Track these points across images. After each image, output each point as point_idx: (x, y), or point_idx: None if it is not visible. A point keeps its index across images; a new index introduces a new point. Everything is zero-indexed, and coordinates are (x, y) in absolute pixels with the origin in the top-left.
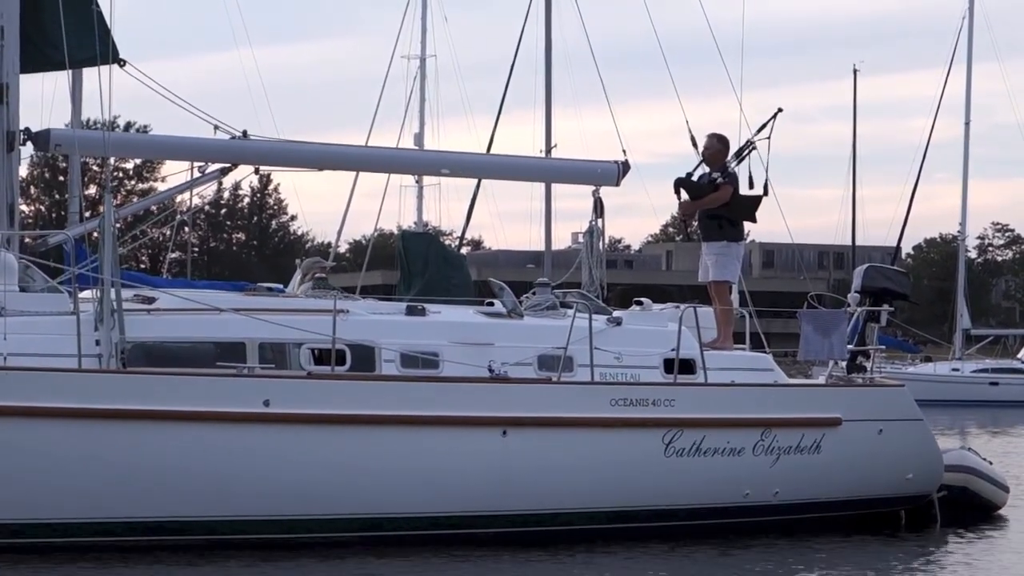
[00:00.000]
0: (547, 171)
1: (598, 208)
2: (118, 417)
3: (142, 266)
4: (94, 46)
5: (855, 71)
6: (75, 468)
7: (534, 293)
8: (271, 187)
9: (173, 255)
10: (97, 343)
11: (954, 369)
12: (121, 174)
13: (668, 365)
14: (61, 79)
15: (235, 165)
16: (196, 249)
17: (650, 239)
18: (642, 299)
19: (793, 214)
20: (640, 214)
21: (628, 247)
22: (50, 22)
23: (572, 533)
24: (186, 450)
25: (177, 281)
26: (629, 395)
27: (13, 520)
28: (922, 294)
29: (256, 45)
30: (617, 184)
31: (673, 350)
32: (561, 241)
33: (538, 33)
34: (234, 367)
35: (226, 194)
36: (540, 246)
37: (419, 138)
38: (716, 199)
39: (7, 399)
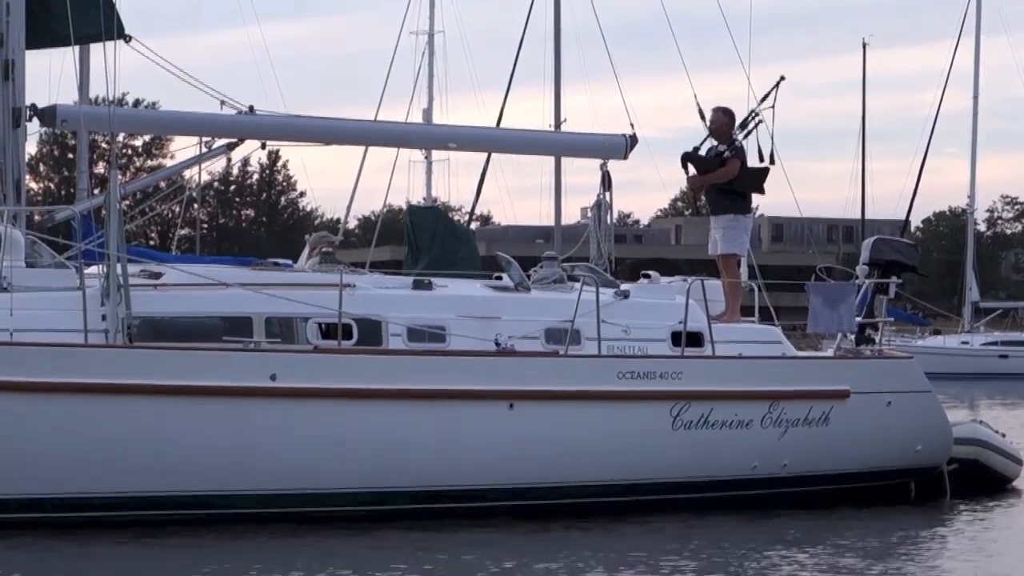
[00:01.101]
0: (554, 145)
1: (606, 182)
2: (124, 392)
3: (152, 243)
4: (99, 22)
5: (864, 45)
6: (82, 443)
7: (541, 267)
8: (280, 164)
9: (182, 231)
10: (103, 318)
11: (964, 342)
12: (130, 151)
13: (676, 338)
14: (69, 56)
15: (241, 140)
16: (205, 226)
17: (659, 213)
18: (650, 272)
19: (803, 188)
20: (650, 189)
21: (637, 222)
22: None
23: (579, 506)
24: (192, 425)
25: (184, 257)
26: (636, 368)
27: (20, 495)
28: (931, 267)
29: (264, 21)
30: (625, 157)
31: (681, 323)
32: (571, 216)
33: (547, 8)
34: (240, 342)
35: (235, 171)
36: (550, 221)
37: (427, 114)
38: (725, 174)
39: (14, 374)
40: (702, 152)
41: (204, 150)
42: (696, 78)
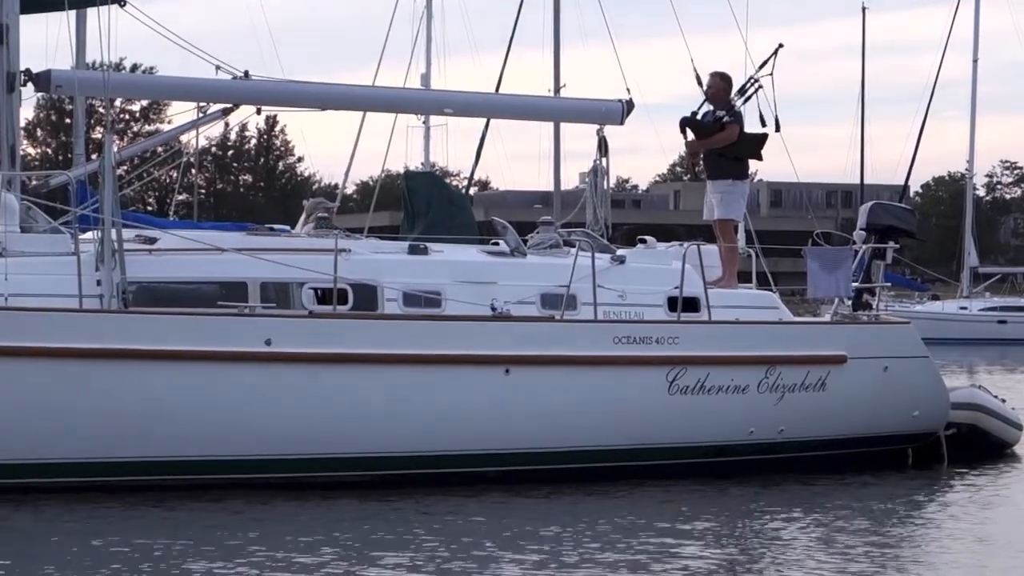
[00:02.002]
0: (550, 110)
1: (602, 147)
2: (119, 357)
3: (149, 208)
4: None
5: (863, 8)
6: (76, 408)
7: (538, 232)
8: (277, 129)
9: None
10: (98, 283)
11: (962, 307)
12: (128, 116)
13: (672, 303)
14: (66, 22)
15: (236, 105)
16: (203, 191)
17: (658, 178)
18: (646, 237)
19: (802, 153)
20: (649, 154)
21: (636, 187)
22: None
23: (575, 471)
24: (187, 390)
25: (180, 222)
26: (632, 333)
27: (14, 460)
28: (930, 232)
29: None
30: (621, 123)
31: (677, 288)
32: (570, 181)
33: None
34: (236, 307)
35: (232, 135)
36: (548, 187)
37: (426, 79)
38: (723, 138)
39: (8, 339)
40: (699, 117)
41: (200, 115)
42: (697, 42)
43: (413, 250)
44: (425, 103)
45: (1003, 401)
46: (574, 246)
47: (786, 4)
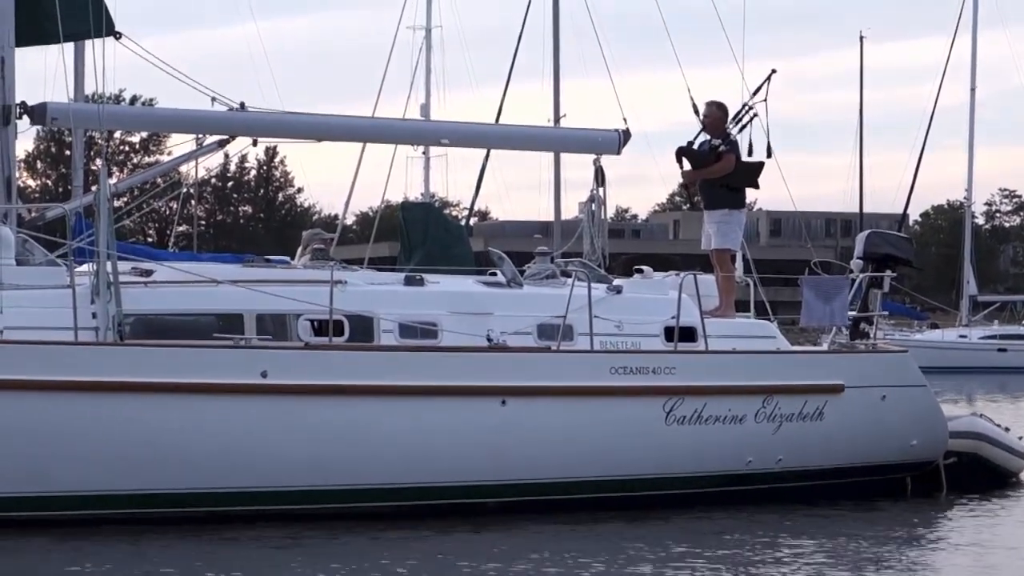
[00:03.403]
0: (547, 140)
1: (599, 177)
2: (114, 390)
3: (149, 239)
4: (89, 19)
5: (861, 38)
6: (72, 441)
7: (534, 263)
8: (277, 160)
9: (180, 228)
10: (94, 316)
11: (962, 336)
12: (127, 148)
13: (669, 333)
14: (67, 53)
15: (232, 137)
16: (203, 222)
17: (657, 208)
18: (643, 267)
19: (801, 182)
20: (648, 183)
21: (635, 216)
22: None
23: (572, 502)
24: (183, 422)
25: (176, 254)
26: (629, 363)
27: (9, 493)
28: (929, 261)
29: (262, 18)
30: (618, 153)
31: (673, 318)
32: (570, 211)
33: (545, 2)
34: (231, 339)
35: (232, 167)
36: (548, 216)
37: (425, 109)
38: (720, 169)
39: (4, 373)
40: (696, 146)
41: (196, 147)
42: (697, 72)
43: (409, 281)
44: (421, 134)
45: (1007, 430)
46: (571, 276)
47: (785, 34)
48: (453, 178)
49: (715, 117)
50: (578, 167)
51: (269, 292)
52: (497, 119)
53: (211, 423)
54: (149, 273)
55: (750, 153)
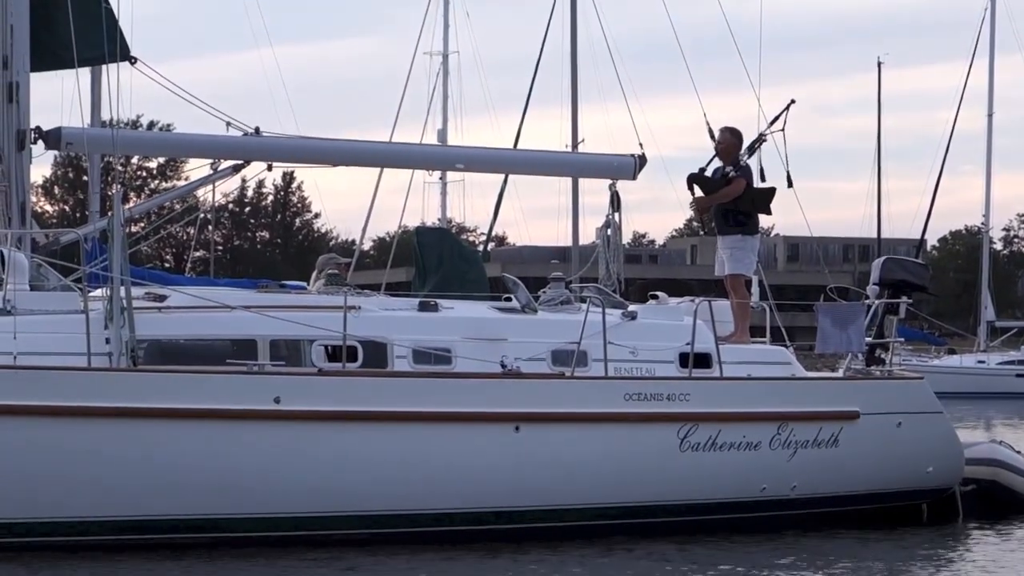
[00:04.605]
0: (561, 165)
1: (615, 202)
2: (127, 415)
3: (167, 264)
4: (103, 44)
5: (879, 64)
6: (85, 467)
7: (549, 288)
8: (294, 185)
9: (197, 253)
10: (107, 341)
11: (980, 361)
12: (145, 173)
13: (683, 359)
14: (84, 79)
15: (247, 162)
16: (220, 247)
17: (675, 233)
18: (657, 293)
19: (820, 207)
20: (666, 208)
21: (652, 242)
22: (60, 20)
23: (587, 529)
24: (196, 448)
25: (193, 279)
26: (643, 390)
27: (23, 518)
28: (947, 287)
29: (281, 44)
30: (634, 178)
31: (688, 344)
32: (588, 237)
33: (564, 29)
34: (245, 364)
35: (249, 192)
36: (565, 241)
37: (443, 134)
38: (729, 192)
39: (18, 398)
40: (708, 173)
41: (211, 172)
42: (715, 98)
43: (423, 307)
44: (435, 158)
45: None
46: (586, 302)
47: (805, 59)
48: (470, 204)
49: (729, 143)
50: (596, 193)
51: (282, 318)
52: (515, 144)
53: (224, 449)
54: (163, 298)
55: (762, 179)
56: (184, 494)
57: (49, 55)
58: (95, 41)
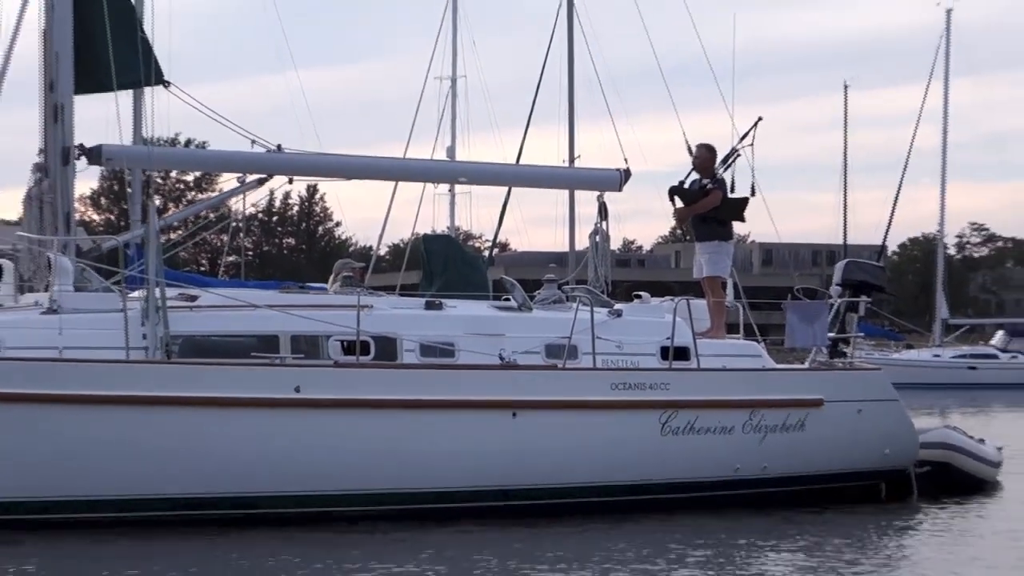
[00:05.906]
0: (554, 178)
1: (602, 212)
2: (161, 403)
3: (202, 268)
4: (140, 69)
5: (846, 86)
6: (123, 450)
7: (543, 289)
8: (318, 196)
9: (229, 258)
10: (144, 337)
11: (935, 355)
12: (182, 185)
13: (664, 352)
14: (126, 100)
15: (270, 176)
16: (250, 253)
17: (660, 240)
18: (641, 293)
19: (793, 216)
20: (653, 217)
21: (640, 248)
22: (101, 48)
23: (577, 506)
24: (223, 433)
25: (225, 281)
26: (628, 380)
27: (66, 497)
28: (906, 288)
29: (301, 68)
30: (619, 189)
31: (669, 339)
32: (583, 243)
33: (562, 55)
34: (268, 358)
35: (277, 203)
36: (562, 248)
37: (451, 151)
38: (707, 203)
39: (62, 388)
40: (686, 185)
41: (238, 185)
42: (697, 117)
43: (430, 306)
44: (441, 172)
45: (981, 441)
46: (576, 301)
47: (780, 80)
48: (476, 214)
49: (704, 158)
50: (592, 203)
51: (302, 316)
52: (518, 160)
53: (249, 433)
54: (194, 298)
55: (733, 190)
56: (214, 475)
57: (90, 79)
58: (132, 66)
